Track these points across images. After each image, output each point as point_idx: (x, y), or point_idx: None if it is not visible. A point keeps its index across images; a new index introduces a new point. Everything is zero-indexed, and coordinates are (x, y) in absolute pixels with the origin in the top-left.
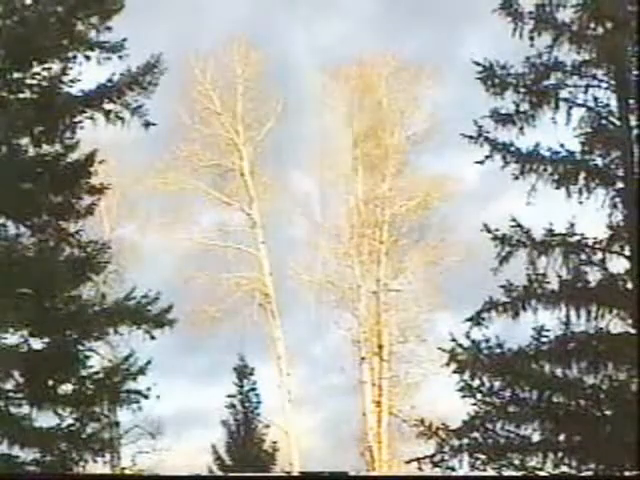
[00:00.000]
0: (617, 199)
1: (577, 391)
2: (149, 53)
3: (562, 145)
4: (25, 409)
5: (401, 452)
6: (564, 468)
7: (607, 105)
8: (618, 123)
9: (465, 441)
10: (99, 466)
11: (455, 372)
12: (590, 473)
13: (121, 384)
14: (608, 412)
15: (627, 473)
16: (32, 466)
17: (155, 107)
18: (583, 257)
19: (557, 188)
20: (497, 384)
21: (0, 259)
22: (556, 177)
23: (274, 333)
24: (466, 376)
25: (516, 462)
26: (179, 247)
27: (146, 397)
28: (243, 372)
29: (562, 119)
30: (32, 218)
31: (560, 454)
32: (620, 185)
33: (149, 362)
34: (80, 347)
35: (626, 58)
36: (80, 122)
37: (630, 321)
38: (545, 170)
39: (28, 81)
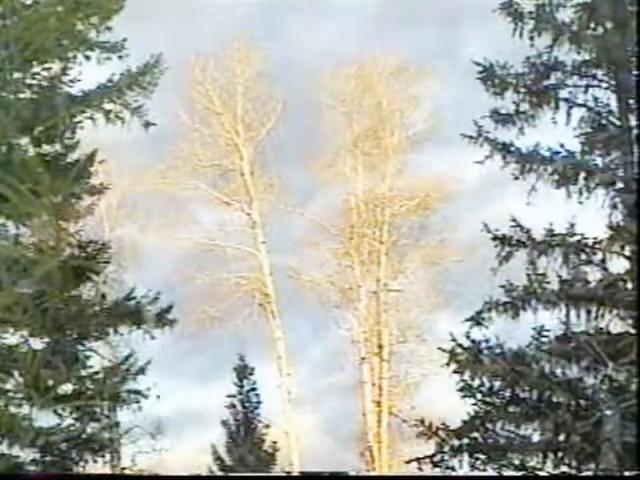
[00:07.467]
0: (617, 199)
1: (577, 391)
2: (149, 53)
3: (562, 145)
4: (25, 409)
5: (401, 452)
6: (564, 468)
7: (607, 105)
8: (618, 123)
9: (465, 441)
10: (99, 466)
11: (455, 372)
12: (590, 473)
13: (121, 384)
14: (608, 412)
15: (627, 473)
16: (32, 466)
17: (155, 107)
18: (583, 257)
19: (557, 188)
20: (497, 384)
21: (0, 259)
22: (556, 177)
23: (274, 333)
24: (466, 376)
25: (516, 462)
26: (179, 247)
27: (146, 397)
28: (243, 372)
29: (562, 119)
30: (32, 218)
31: (560, 454)
32: (620, 185)
33: (149, 362)
34: (80, 347)
35: (626, 58)
36: (80, 122)
37: (630, 321)
38: (545, 170)
39: (28, 81)
